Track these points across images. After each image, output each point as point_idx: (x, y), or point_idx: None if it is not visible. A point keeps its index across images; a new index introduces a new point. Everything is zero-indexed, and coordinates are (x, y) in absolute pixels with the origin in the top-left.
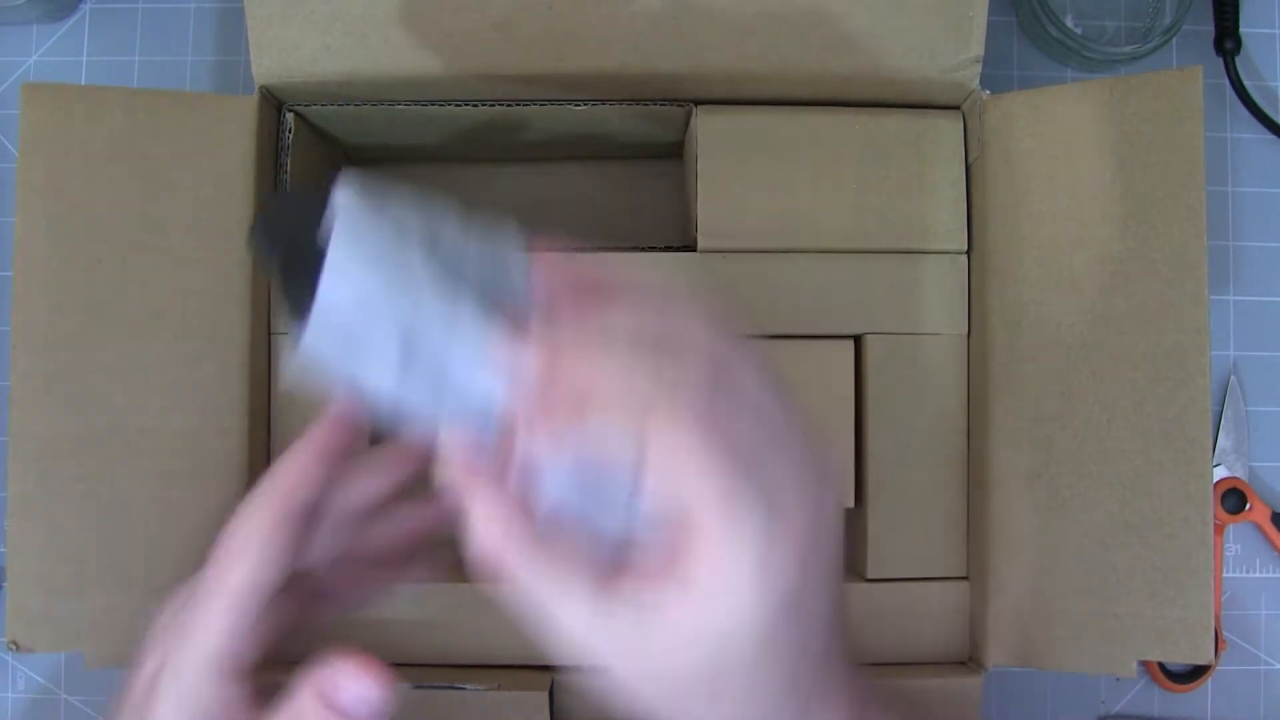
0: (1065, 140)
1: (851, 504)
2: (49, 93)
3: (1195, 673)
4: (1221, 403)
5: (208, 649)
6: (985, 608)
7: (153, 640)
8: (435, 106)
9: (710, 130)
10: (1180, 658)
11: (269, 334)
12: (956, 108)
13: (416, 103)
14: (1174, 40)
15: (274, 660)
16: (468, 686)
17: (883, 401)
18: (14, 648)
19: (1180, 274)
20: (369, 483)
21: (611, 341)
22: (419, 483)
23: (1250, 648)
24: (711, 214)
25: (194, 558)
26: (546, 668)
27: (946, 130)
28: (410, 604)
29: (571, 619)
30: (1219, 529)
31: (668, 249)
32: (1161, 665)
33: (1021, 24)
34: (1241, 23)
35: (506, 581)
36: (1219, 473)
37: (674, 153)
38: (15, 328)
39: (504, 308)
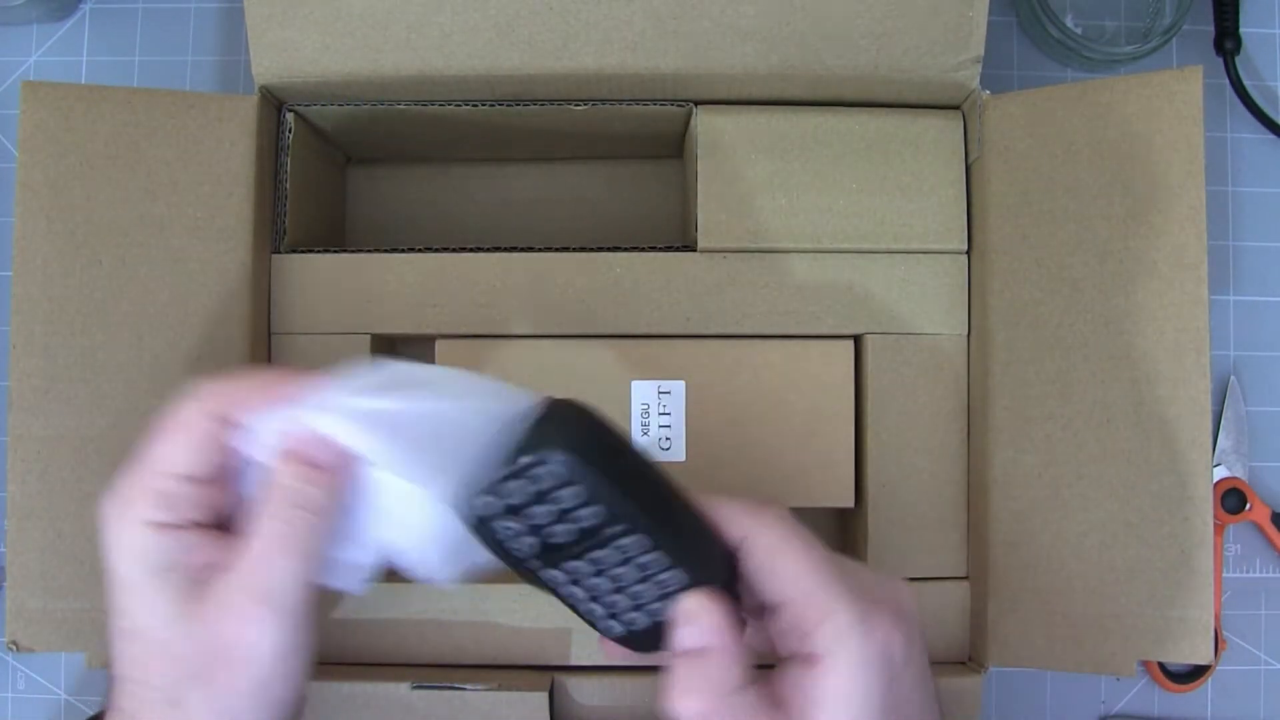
0: (1065, 140)
1: (851, 504)
2: (49, 92)
3: (1195, 673)
4: (1221, 403)
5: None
6: (985, 608)
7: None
8: (435, 106)
9: (710, 130)
10: (1180, 658)
11: (269, 334)
12: (956, 108)
13: (416, 103)
14: (1174, 40)
15: None
16: (468, 686)
17: (883, 401)
18: (14, 648)
19: (1180, 274)
20: None
21: None
22: None
23: (1250, 648)
24: (711, 214)
25: None
26: (546, 668)
27: (946, 130)
28: (410, 604)
29: None
30: (1219, 529)
31: (668, 249)
32: (1162, 665)
33: (1021, 24)
34: (1241, 23)
35: None
36: (1219, 473)
37: (674, 153)
38: (15, 328)
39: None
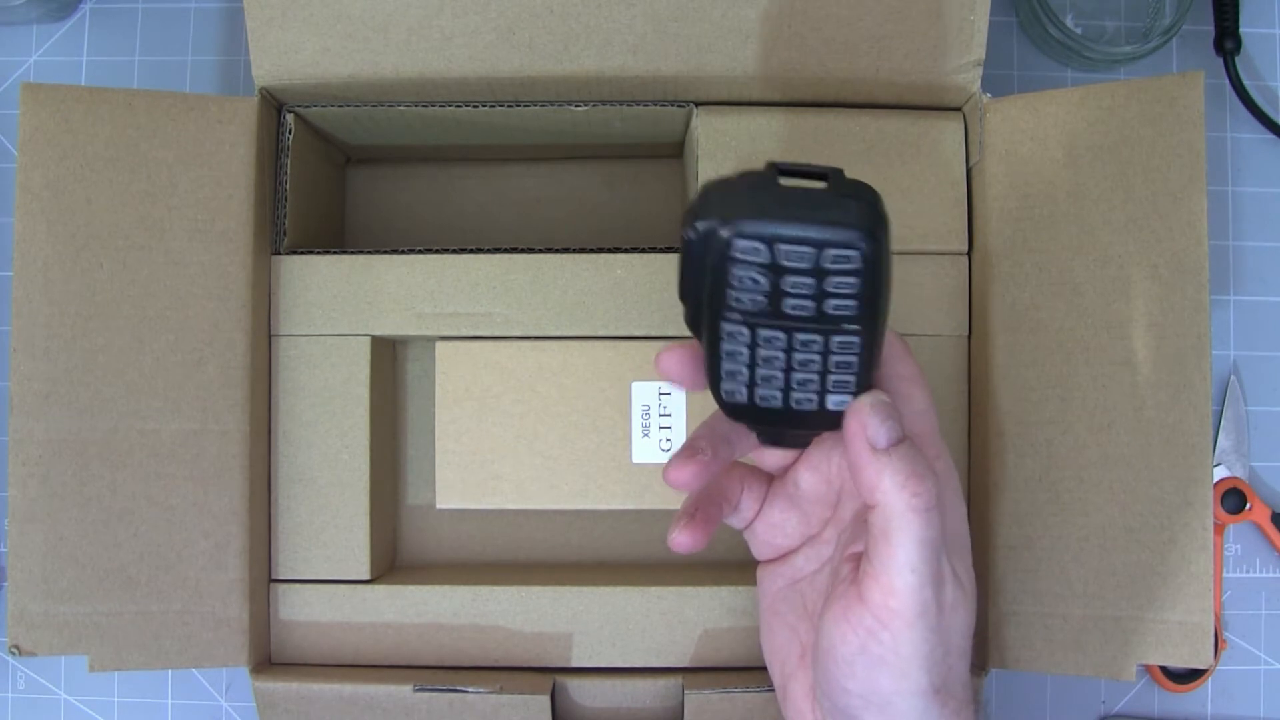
0: (1066, 144)
1: None
2: (49, 93)
3: (1195, 673)
4: (1221, 403)
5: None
6: (985, 609)
7: None
8: (436, 108)
9: (710, 131)
10: (1180, 661)
11: (269, 335)
12: (957, 110)
13: (417, 104)
14: (1174, 40)
15: None
16: (470, 689)
17: None
18: (15, 652)
19: (1181, 279)
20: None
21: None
22: None
23: (1250, 648)
24: None
25: (196, 560)
26: (548, 670)
27: (947, 132)
28: (412, 606)
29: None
30: (1219, 529)
31: (668, 249)
32: (1162, 665)
33: (1021, 24)
34: (1241, 23)
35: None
36: (1219, 473)
37: (674, 153)
38: (15, 329)
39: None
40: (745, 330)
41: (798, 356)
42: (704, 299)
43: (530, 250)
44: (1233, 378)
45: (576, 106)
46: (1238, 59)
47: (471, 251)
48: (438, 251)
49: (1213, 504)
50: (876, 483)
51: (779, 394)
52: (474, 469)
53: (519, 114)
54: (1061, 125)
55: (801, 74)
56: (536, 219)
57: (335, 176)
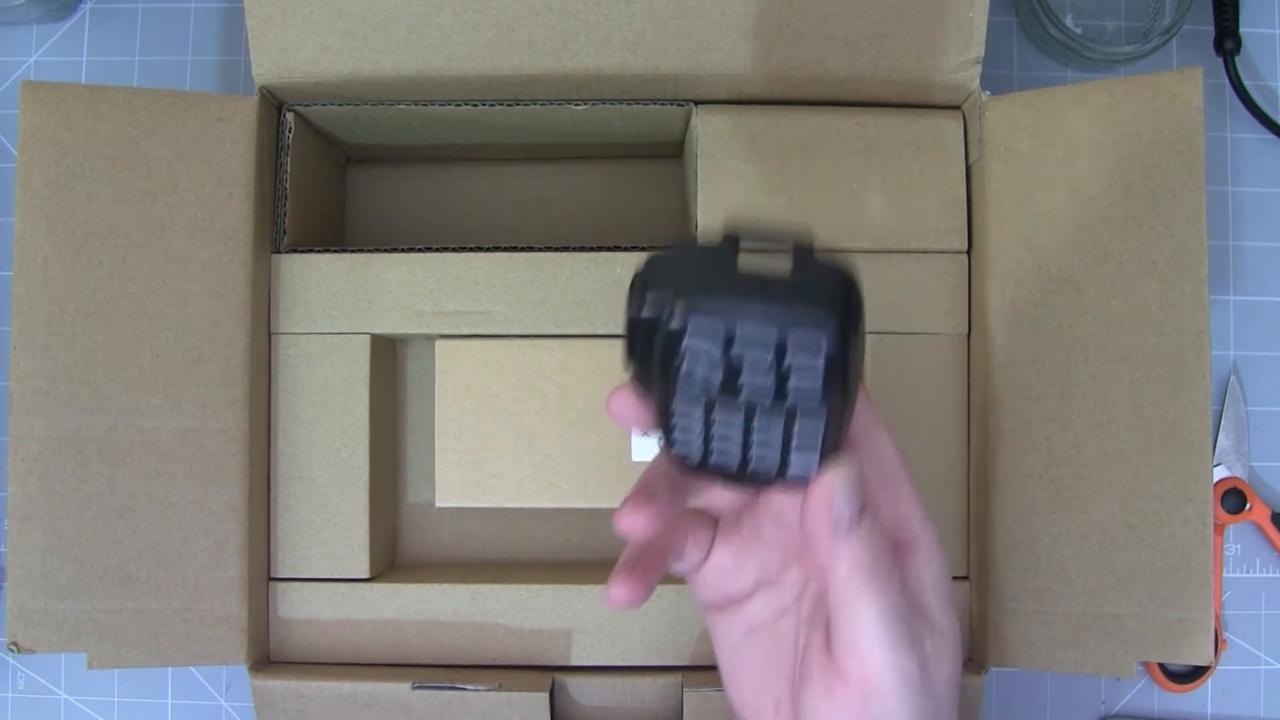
0: (1065, 141)
1: None
2: (49, 92)
3: (1195, 672)
4: (1221, 403)
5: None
6: (985, 608)
7: None
8: (435, 106)
9: (710, 130)
10: (1180, 659)
11: (269, 333)
12: (957, 108)
13: (416, 103)
14: (1174, 40)
15: None
16: (468, 687)
17: (883, 402)
18: (14, 649)
19: (1180, 276)
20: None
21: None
22: None
23: (1250, 648)
24: (711, 214)
25: (195, 558)
26: (547, 668)
27: (947, 131)
28: (411, 604)
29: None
30: (1219, 529)
31: (667, 248)
32: (1162, 665)
33: (1021, 24)
34: (1241, 23)
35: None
36: (1219, 473)
37: (674, 153)
38: (15, 327)
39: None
40: (699, 406)
41: (756, 426)
42: (654, 373)
43: (530, 249)
44: (1233, 378)
45: (576, 105)
46: (1238, 59)
47: (471, 250)
48: (437, 250)
49: (1213, 503)
50: (832, 563)
51: (735, 459)
52: (474, 467)
53: (519, 113)
54: (1061, 122)
55: (801, 72)
56: (536, 218)
57: (335, 175)
